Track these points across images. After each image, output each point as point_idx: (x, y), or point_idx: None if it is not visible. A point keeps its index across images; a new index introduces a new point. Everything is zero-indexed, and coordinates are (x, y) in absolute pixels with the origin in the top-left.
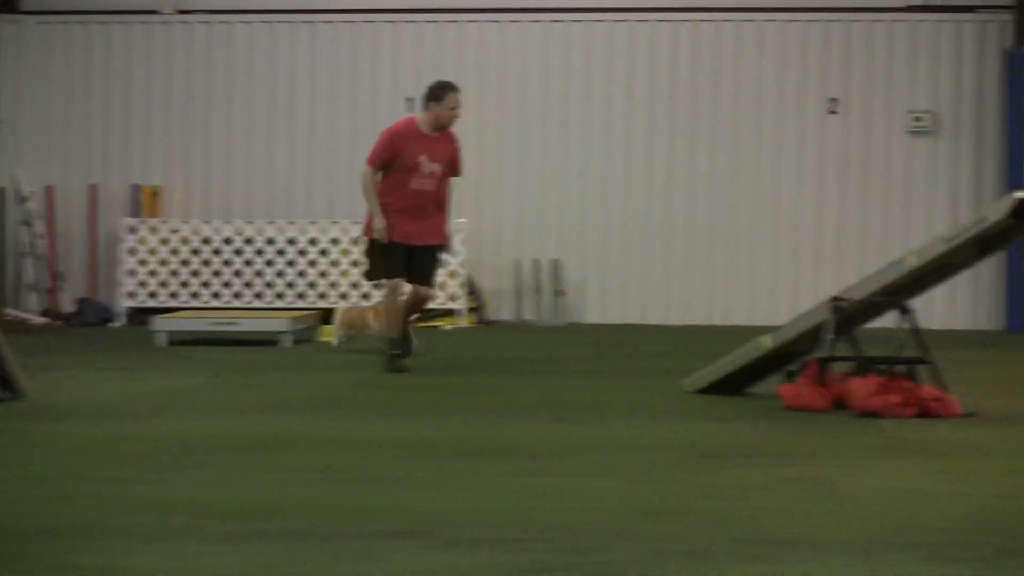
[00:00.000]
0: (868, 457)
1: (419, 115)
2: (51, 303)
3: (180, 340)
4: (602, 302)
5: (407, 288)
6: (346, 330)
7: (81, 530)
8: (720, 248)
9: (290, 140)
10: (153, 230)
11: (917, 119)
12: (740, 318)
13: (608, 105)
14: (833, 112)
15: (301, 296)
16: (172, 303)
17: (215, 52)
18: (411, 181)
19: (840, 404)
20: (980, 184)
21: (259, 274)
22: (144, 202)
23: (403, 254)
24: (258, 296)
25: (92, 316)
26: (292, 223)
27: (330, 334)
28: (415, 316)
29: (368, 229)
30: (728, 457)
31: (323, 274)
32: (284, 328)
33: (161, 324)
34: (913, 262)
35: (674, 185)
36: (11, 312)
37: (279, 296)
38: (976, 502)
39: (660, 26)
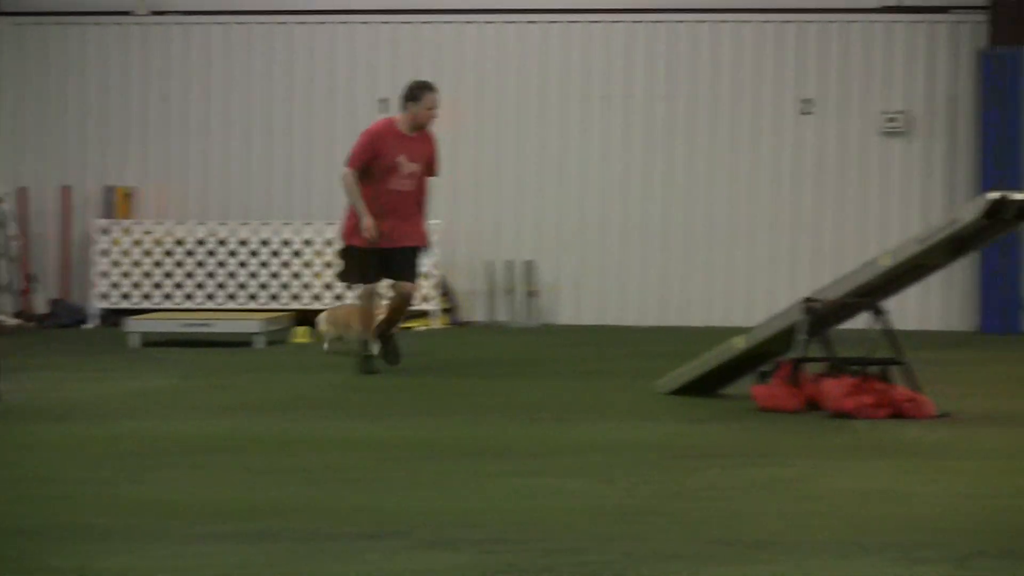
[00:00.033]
0: (841, 458)
1: (397, 115)
2: (24, 304)
3: (153, 341)
4: (576, 303)
5: (381, 292)
6: (333, 330)
7: (54, 531)
8: (696, 249)
9: (264, 141)
10: (126, 231)
11: (891, 120)
12: (716, 319)
13: (584, 106)
14: (807, 113)
15: (274, 297)
16: (145, 304)
17: (190, 53)
18: (390, 182)
19: (813, 405)
20: (954, 185)
21: (232, 275)
22: (117, 203)
23: (379, 258)
24: (231, 297)
25: (65, 317)
26: (266, 224)
27: (304, 335)
28: (399, 318)
29: (347, 231)
30: (702, 458)
31: (296, 275)
32: (257, 329)
33: (134, 325)
34: (886, 263)
35: (649, 186)
36: None
37: (252, 297)
38: (949, 503)
39: (636, 27)
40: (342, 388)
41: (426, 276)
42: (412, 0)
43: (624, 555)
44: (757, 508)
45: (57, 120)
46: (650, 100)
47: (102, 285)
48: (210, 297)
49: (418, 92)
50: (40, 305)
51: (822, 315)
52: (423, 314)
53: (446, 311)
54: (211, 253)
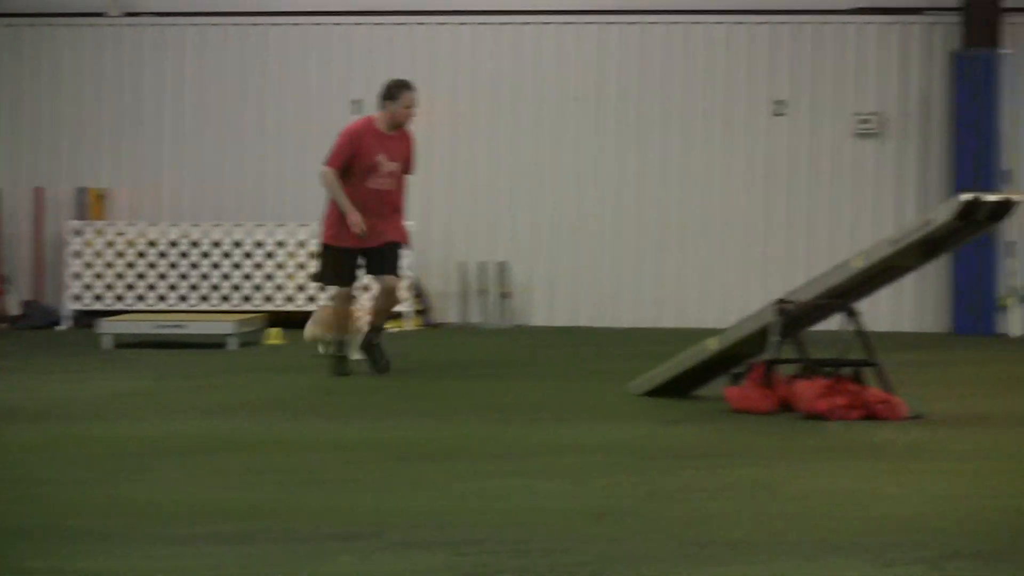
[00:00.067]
0: (814, 459)
1: (376, 114)
2: None
3: (126, 343)
4: (549, 304)
5: (356, 294)
6: (324, 330)
7: (29, 533)
8: (668, 250)
9: (237, 143)
10: (99, 233)
11: (864, 121)
12: (689, 320)
13: (557, 107)
14: (780, 114)
15: (247, 299)
16: (118, 306)
17: (163, 55)
18: (370, 181)
19: (786, 406)
20: (927, 186)
21: (205, 277)
22: (90, 205)
23: (358, 258)
24: (204, 299)
25: (38, 319)
26: (239, 226)
27: (277, 336)
28: (386, 315)
29: (326, 231)
30: (675, 459)
31: (269, 277)
32: (230, 331)
33: (107, 327)
34: (859, 264)
35: (622, 187)
36: None
37: (225, 299)
38: (922, 504)
39: (609, 29)
40: (315, 390)
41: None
42: (386, 2)
43: (598, 556)
44: (730, 509)
45: (29, 121)
46: (624, 101)
47: (75, 286)
48: (183, 298)
49: (396, 90)
50: (13, 307)
51: (795, 316)
52: (396, 315)
53: (419, 312)
54: (184, 254)
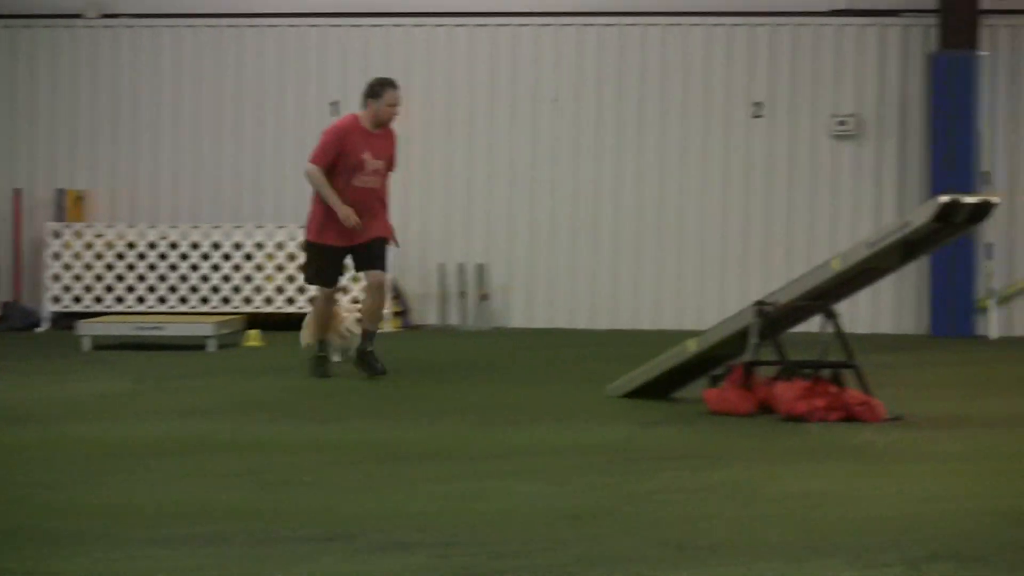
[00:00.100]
0: (794, 461)
1: (360, 112)
2: None
3: (105, 345)
4: (528, 306)
5: (338, 296)
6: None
7: (7, 535)
8: (646, 252)
9: (215, 144)
10: (78, 234)
11: (842, 123)
12: (667, 322)
13: (534, 109)
14: (758, 116)
15: (226, 301)
16: (97, 308)
17: (140, 57)
18: (356, 179)
19: (765, 408)
20: (904, 188)
21: (184, 279)
22: (69, 206)
23: (343, 256)
24: (183, 300)
25: (17, 320)
26: (217, 227)
27: (256, 338)
28: (379, 313)
29: (312, 229)
30: (654, 461)
31: (248, 279)
32: (209, 332)
33: (86, 329)
34: (837, 266)
35: (600, 189)
36: None
37: (204, 301)
38: (902, 506)
39: (586, 31)
40: (295, 391)
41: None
42: (362, 4)
43: (576, 558)
44: (709, 511)
45: (7, 123)
46: (601, 104)
47: (54, 288)
48: (162, 300)
49: (379, 89)
50: None
51: (774, 318)
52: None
53: (398, 314)
54: (163, 256)
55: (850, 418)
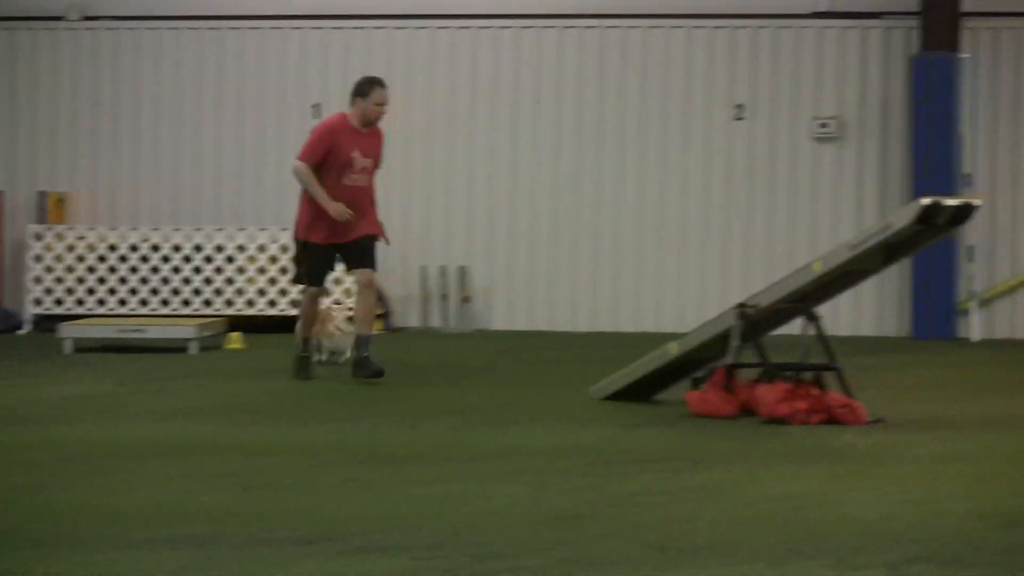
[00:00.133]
0: (775, 463)
1: (348, 111)
2: None
3: (87, 347)
4: (509, 309)
5: (324, 297)
6: (323, 337)
7: None
8: (628, 254)
9: (197, 147)
10: (59, 237)
11: (823, 125)
12: (649, 324)
13: (515, 111)
14: (739, 118)
15: (208, 303)
16: (79, 310)
17: (121, 59)
18: (345, 177)
19: (747, 411)
20: (886, 190)
21: (166, 281)
22: (50, 209)
23: (333, 254)
24: (165, 303)
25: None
26: (199, 230)
27: (238, 341)
28: (370, 311)
29: (300, 227)
30: (636, 463)
31: (230, 281)
32: (191, 335)
33: (68, 331)
34: (819, 268)
35: (581, 192)
36: None
37: (186, 303)
38: (883, 508)
39: (567, 33)
40: (276, 393)
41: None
42: (343, 6)
43: (558, 560)
44: (691, 513)
45: None
46: (582, 105)
47: (36, 291)
48: (143, 303)
49: (367, 88)
50: None
51: (756, 321)
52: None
53: (379, 317)
54: (145, 259)
55: (832, 420)
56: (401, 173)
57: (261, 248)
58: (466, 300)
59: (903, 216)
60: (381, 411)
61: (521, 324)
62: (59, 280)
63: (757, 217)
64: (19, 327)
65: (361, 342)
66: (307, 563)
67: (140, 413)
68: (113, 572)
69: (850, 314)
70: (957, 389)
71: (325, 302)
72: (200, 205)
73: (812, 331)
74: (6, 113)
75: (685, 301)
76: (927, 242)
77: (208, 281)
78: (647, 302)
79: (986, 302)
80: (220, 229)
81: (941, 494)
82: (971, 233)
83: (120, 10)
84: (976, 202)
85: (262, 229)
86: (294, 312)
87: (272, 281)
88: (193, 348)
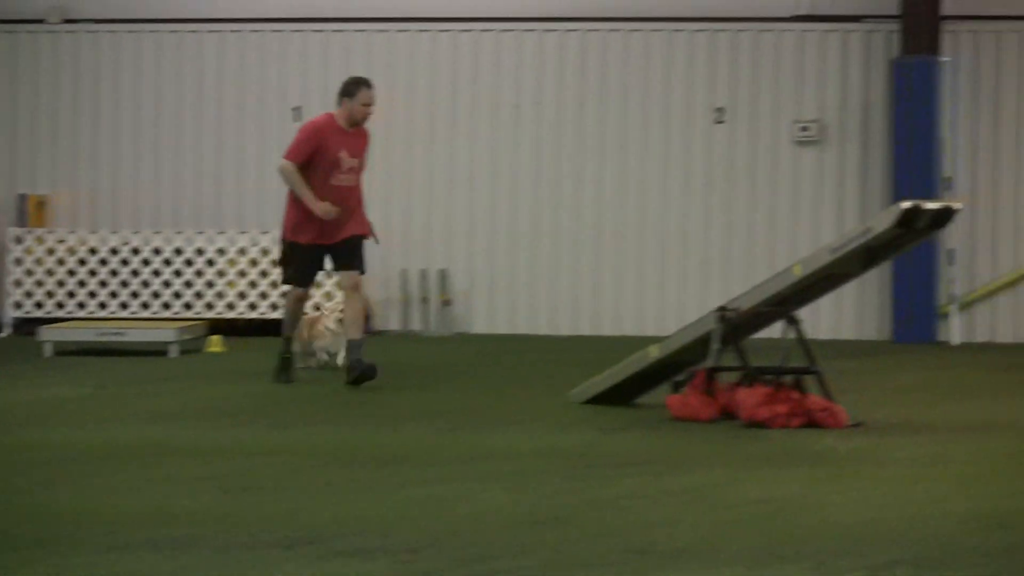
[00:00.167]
0: (755, 467)
1: (335, 111)
2: None
3: (67, 350)
4: (490, 312)
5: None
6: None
7: None
8: (608, 258)
9: (177, 150)
10: (39, 240)
11: (804, 129)
12: (629, 328)
13: (495, 114)
14: (720, 122)
15: (188, 306)
16: (59, 313)
17: (102, 62)
18: (333, 177)
19: (728, 414)
20: (866, 194)
21: (146, 284)
22: (30, 212)
23: (320, 255)
24: (145, 306)
25: None
26: (179, 233)
27: (218, 344)
28: (360, 313)
29: (288, 228)
30: (616, 467)
31: (210, 284)
32: (171, 338)
33: (48, 334)
34: (799, 272)
35: (561, 195)
36: None
37: (166, 306)
38: (863, 511)
39: (547, 36)
40: (256, 396)
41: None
42: (322, 9)
43: (539, 564)
44: (672, 517)
45: None
46: (562, 109)
47: (16, 294)
48: (124, 306)
49: (353, 88)
50: None
51: (736, 324)
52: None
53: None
54: (125, 262)
55: (812, 424)
56: (382, 176)
57: (241, 251)
58: (447, 303)
59: (884, 220)
60: (362, 414)
61: (502, 327)
62: (39, 283)
63: (738, 221)
64: None
65: (352, 346)
66: (287, 566)
67: (120, 416)
68: (92, 575)
69: (831, 318)
70: (937, 393)
71: (318, 303)
72: (180, 208)
73: (792, 335)
74: None
75: (665, 304)
76: (907, 246)
77: (188, 284)
78: (628, 305)
79: (966, 306)
80: (200, 232)
81: (921, 498)
82: (951, 237)
83: (100, 13)
84: (956, 206)
85: (242, 232)
86: (274, 315)
87: (252, 284)
88: (173, 351)
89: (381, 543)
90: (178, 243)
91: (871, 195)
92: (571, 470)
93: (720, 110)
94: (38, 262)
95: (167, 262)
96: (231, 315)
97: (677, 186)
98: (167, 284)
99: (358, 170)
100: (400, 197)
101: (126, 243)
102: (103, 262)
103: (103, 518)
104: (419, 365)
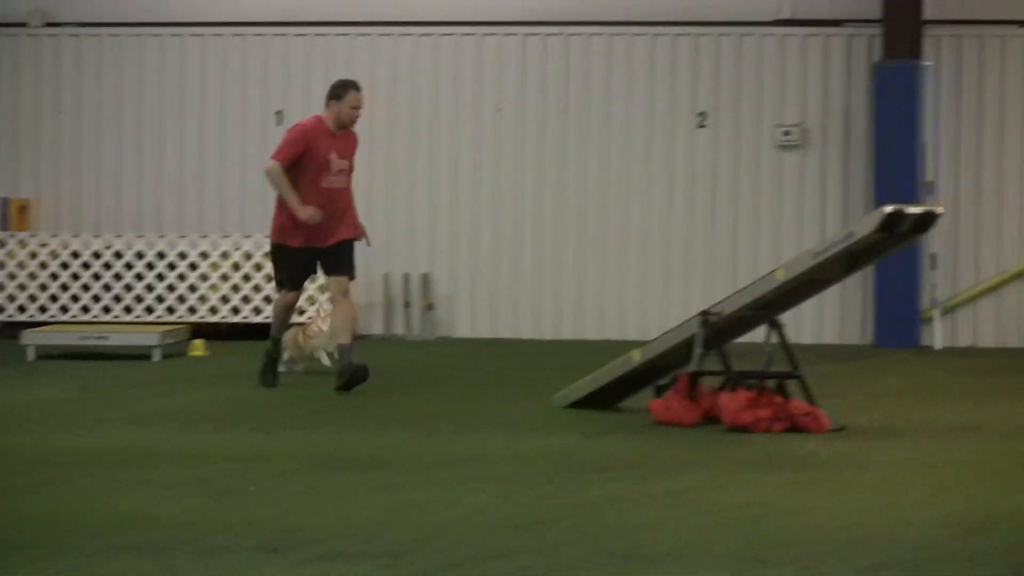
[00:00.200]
0: (738, 471)
1: (323, 113)
2: None
3: (49, 354)
4: (472, 316)
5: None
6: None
7: None
8: (591, 262)
9: (159, 153)
10: (22, 244)
11: (786, 133)
12: (612, 332)
13: (478, 118)
14: (702, 126)
15: (171, 310)
16: (42, 317)
17: (84, 65)
18: (323, 179)
19: (710, 419)
20: (849, 198)
21: (129, 288)
22: (13, 216)
23: (310, 258)
24: (128, 310)
25: None
26: (162, 237)
27: (201, 348)
28: (350, 318)
29: (276, 230)
30: (599, 471)
31: (193, 288)
32: (154, 342)
33: (30, 338)
34: (782, 276)
35: (544, 199)
36: None
37: (149, 310)
38: (847, 515)
39: (530, 40)
40: (239, 400)
41: (322, 289)
42: (304, 13)
43: (522, 568)
44: (655, 521)
45: None
46: (545, 113)
47: None
48: (107, 310)
49: (341, 90)
50: None
51: (719, 328)
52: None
53: None
54: (108, 266)
55: (795, 428)
56: (364, 180)
57: (224, 255)
58: (429, 307)
59: (866, 224)
60: (345, 418)
61: (484, 331)
62: (22, 287)
63: (720, 225)
64: None
65: (342, 351)
66: (269, 571)
67: (103, 420)
68: None
69: (813, 322)
70: (920, 397)
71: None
72: (163, 212)
73: (775, 339)
74: None
75: (648, 309)
76: (890, 250)
77: (171, 288)
78: (610, 309)
79: (949, 310)
80: (183, 236)
81: (904, 501)
82: (934, 241)
83: (83, 17)
84: (939, 210)
85: (225, 236)
86: (257, 319)
87: (235, 288)
88: (156, 355)
89: (364, 547)
90: (161, 247)
91: (853, 199)
92: (554, 474)
93: (702, 114)
94: (20, 266)
95: (150, 266)
96: (214, 319)
97: (659, 190)
98: (150, 288)
99: (348, 172)
100: (382, 201)
101: (109, 247)
102: (86, 266)
103: (86, 522)
104: (402, 369)
